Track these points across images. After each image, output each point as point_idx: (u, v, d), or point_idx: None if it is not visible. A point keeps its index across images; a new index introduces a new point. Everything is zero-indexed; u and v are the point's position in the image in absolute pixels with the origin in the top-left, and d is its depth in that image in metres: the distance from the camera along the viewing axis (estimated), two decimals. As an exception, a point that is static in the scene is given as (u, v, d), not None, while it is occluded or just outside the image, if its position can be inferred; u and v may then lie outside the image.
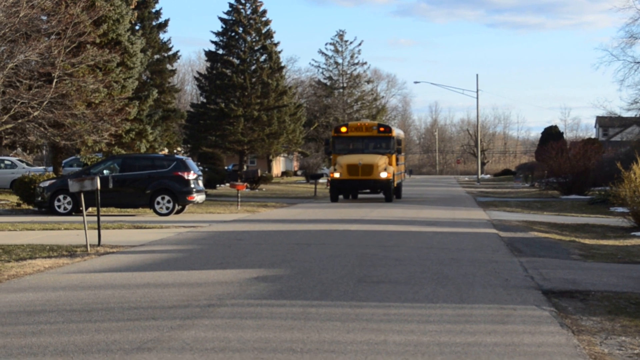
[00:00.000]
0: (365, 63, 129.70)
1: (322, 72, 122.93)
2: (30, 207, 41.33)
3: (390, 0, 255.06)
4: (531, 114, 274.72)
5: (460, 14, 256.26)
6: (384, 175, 51.24)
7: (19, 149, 62.93)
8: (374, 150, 53.91)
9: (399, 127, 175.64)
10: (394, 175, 53.08)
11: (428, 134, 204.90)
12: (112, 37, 53.55)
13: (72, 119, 46.15)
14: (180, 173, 38.57)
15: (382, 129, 55.67)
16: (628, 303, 15.56)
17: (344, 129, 55.78)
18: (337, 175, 52.24)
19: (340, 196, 56.47)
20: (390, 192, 52.75)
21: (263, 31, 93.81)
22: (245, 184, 64.50)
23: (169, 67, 73.89)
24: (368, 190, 56.40)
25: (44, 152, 68.42)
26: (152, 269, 19.71)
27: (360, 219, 36.07)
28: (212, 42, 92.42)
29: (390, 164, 52.93)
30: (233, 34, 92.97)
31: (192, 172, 39.40)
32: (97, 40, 49.83)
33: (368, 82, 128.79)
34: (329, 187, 59.56)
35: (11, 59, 43.56)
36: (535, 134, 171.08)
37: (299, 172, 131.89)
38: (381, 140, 54.86)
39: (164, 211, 38.16)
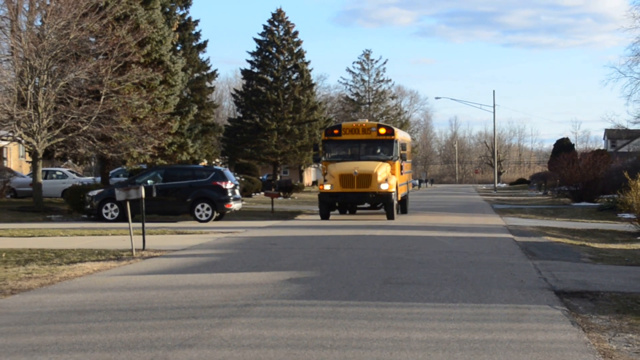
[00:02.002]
0: (390, 80, 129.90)
1: (350, 89, 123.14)
2: (80, 214, 41.44)
3: (412, 22, 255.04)
4: (544, 127, 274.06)
5: (477, 34, 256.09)
6: (384, 187, 39.22)
7: (70, 161, 63.16)
8: (373, 157, 41.67)
9: (421, 139, 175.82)
10: (397, 186, 40.74)
11: (448, 145, 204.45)
12: (155, 57, 53.67)
13: (119, 133, 46.32)
14: (218, 183, 38.69)
15: (382, 130, 42.24)
16: (635, 303, 15.50)
17: (336, 131, 42.77)
18: (327, 187, 39.89)
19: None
20: (392, 207, 39.89)
21: (295, 51, 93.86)
22: (279, 192, 64.53)
23: (207, 84, 73.88)
24: (367, 205, 45.05)
25: (92, 163, 68.58)
26: (193, 272, 19.74)
27: (385, 225, 35.99)
28: (248, 61, 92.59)
29: (392, 173, 40.94)
30: (267, 53, 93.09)
31: (229, 181, 39.51)
32: (142, 60, 49.97)
33: (392, 97, 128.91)
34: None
35: (62, 78, 43.78)
36: (548, 145, 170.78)
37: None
38: (382, 144, 42.12)
39: (204, 218, 38.26)
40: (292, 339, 11.58)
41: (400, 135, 44.92)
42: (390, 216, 39.98)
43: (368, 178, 39.23)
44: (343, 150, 42.55)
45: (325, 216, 40.64)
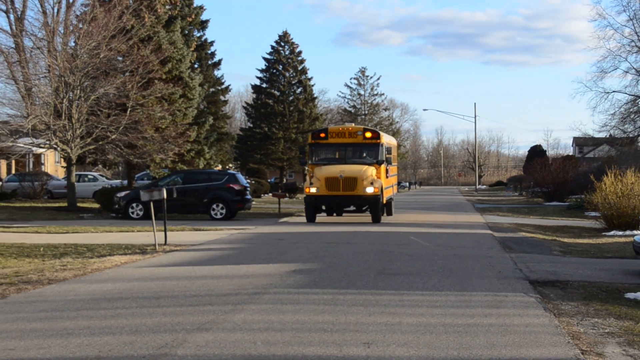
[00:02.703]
0: (383, 94, 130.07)
1: (348, 102, 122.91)
2: (109, 213, 41.44)
3: (402, 42, 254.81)
4: (519, 135, 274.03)
5: (459, 53, 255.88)
6: (370, 190, 35.36)
7: (100, 166, 63.14)
8: (359, 160, 37.79)
9: (410, 146, 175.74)
10: (382, 189, 36.62)
11: (435, 152, 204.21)
12: (176, 74, 53.74)
13: (143, 141, 46.36)
14: (231, 185, 38.71)
15: (368, 134, 38.37)
16: (600, 291, 15.52)
17: (323, 134, 38.55)
18: (313, 190, 35.83)
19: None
20: (377, 210, 36.18)
21: (299, 68, 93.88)
22: (285, 193, 64.45)
23: (222, 98, 73.84)
24: (353, 208, 38.84)
25: (120, 168, 68.50)
26: (209, 264, 19.74)
27: (380, 222, 35.95)
28: (257, 77, 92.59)
29: (378, 176, 36.89)
30: (274, 70, 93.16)
31: (241, 184, 39.54)
32: (163, 77, 50.07)
33: (385, 109, 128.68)
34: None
35: (93, 92, 43.87)
36: (523, 151, 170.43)
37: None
38: (368, 148, 38.19)
39: (218, 216, 38.28)
40: (296, 323, 11.57)
41: (386, 139, 41.04)
42: (375, 219, 36.00)
43: (354, 181, 35.50)
44: (329, 154, 38.53)
45: (311, 219, 36.63)
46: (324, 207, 37.73)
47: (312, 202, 36.35)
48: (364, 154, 38.23)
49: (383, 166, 37.91)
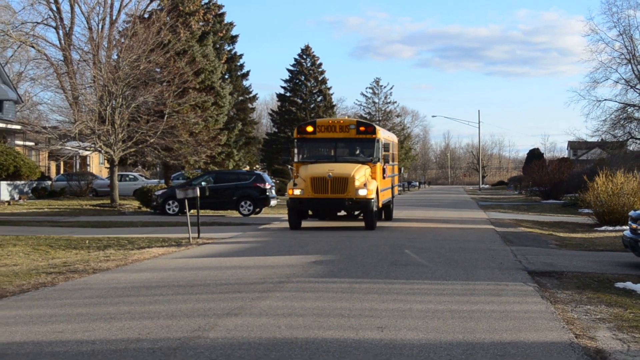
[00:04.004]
0: (395, 102, 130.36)
1: (363, 109, 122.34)
2: (147, 210, 41.54)
3: (413, 55, 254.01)
4: (519, 139, 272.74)
5: (464, 65, 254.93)
6: (362, 192, 27.55)
7: (139, 166, 63.39)
8: (351, 158, 29.83)
9: (420, 149, 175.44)
10: (377, 192, 28.98)
11: (442, 154, 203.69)
12: (208, 84, 53.96)
13: (179, 145, 46.55)
14: (258, 184, 38.67)
15: (362, 128, 30.16)
16: (592, 281, 15.47)
17: (310, 128, 30.26)
18: (297, 192, 27.97)
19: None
20: (371, 216, 28.11)
21: (319, 79, 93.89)
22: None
23: (249, 105, 73.92)
24: (343, 213, 31.91)
25: (157, 168, 68.71)
26: (238, 255, 19.77)
27: (395, 218, 35.78)
28: (282, 87, 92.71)
29: (373, 176, 29.13)
30: (297, 81, 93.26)
31: (267, 183, 39.47)
32: (197, 86, 50.28)
33: (397, 116, 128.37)
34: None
35: (134, 100, 43.97)
36: (522, 154, 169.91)
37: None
38: (362, 144, 30.11)
39: (246, 212, 38.27)
40: (317, 309, 11.57)
41: (383, 134, 32.55)
42: (369, 226, 28.15)
43: (344, 182, 27.50)
44: (318, 151, 30.33)
45: (294, 225, 28.66)
46: (310, 212, 30.09)
47: (295, 206, 28.28)
48: (358, 151, 30.27)
49: (379, 165, 29.88)
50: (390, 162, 34.12)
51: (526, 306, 12.16)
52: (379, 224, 30.84)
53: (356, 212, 29.52)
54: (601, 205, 32.22)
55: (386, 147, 31.19)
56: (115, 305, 12.10)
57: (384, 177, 30.98)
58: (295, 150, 30.29)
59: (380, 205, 30.18)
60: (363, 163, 29.17)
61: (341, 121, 30.64)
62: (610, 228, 30.00)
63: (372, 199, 27.93)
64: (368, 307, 11.75)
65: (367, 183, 27.94)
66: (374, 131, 30.05)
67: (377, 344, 9.24)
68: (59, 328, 10.25)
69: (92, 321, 10.70)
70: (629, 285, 14.68)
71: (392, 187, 35.43)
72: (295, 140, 30.35)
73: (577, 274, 16.45)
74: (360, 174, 28.07)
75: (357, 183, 27.57)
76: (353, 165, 28.60)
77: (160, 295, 13.03)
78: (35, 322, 10.74)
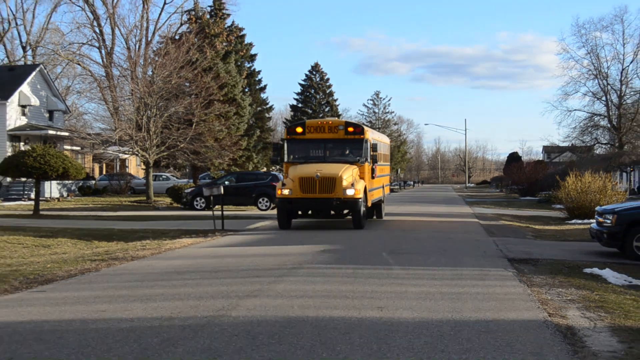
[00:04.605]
0: (393, 112, 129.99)
1: (365, 118, 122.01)
2: (178, 205, 41.61)
3: (408, 71, 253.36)
4: (500, 144, 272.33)
5: (453, 80, 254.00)
6: (350, 192, 24.68)
7: (171, 168, 63.49)
8: (340, 158, 26.74)
9: (414, 153, 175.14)
10: (365, 192, 25.92)
11: (433, 157, 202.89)
12: (230, 96, 54.04)
13: (205, 149, 46.66)
14: (274, 183, 38.53)
15: (351, 129, 26.98)
16: (563, 267, 15.44)
17: (300, 129, 27.18)
18: (285, 192, 24.97)
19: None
20: (359, 215, 25.04)
21: (327, 92, 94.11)
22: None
23: (266, 115, 73.91)
24: (332, 213, 26.93)
25: (187, 169, 68.78)
26: (257, 245, 19.78)
27: (389, 212, 35.78)
28: (295, 98, 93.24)
29: (361, 176, 26.24)
30: (308, 93, 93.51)
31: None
32: (221, 98, 50.40)
33: (395, 124, 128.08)
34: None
35: (166, 111, 44.12)
36: (503, 157, 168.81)
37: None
38: (350, 144, 26.98)
39: (264, 208, 38.27)
40: (325, 292, 11.58)
41: (372, 135, 29.24)
42: (357, 225, 25.10)
43: (332, 182, 24.65)
44: (307, 151, 27.08)
45: (284, 225, 25.43)
46: (300, 212, 26.40)
47: (284, 206, 25.26)
48: (347, 151, 27.08)
49: (367, 165, 26.89)
50: (381, 162, 31.04)
51: (506, 289, 12.15)
52: (377, 218, 30.38)
53: (345, 212, 25.81)
54: (571, 201, 32.20)
55: (375, 147, 27.51)
56: (151, 288, 12.14)
57: (372, 177, 27.88)
58: (285, 151, 27.07)
59: (369, 204, 27.23)
60: (351, 163, 26.18)
61: (330, 122, 27.28)
62: (579, 221, 29.95)
63: (360, 198, 24.86)
64: (369, 290, 11.76)
65: (354, 183, 24.92)
66: (362, 132, 26.90)
67: (377, 322, 9.26)
68: (102, 308, 10.29)
69: (130, 302, 10.74)
70: (595, 270, 14.68)
71: (383, 187, 32.04)
72: (285, 141, 27.23)
73: (550, 261, 16.43)
74: (348, 174, 25.12)
75: (344, 183, 24.66)
76: (341, 166, 25.61)
77: (189, 280, 13.06)
78: (81, 302, 10.78)
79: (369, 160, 26.85)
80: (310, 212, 26.09)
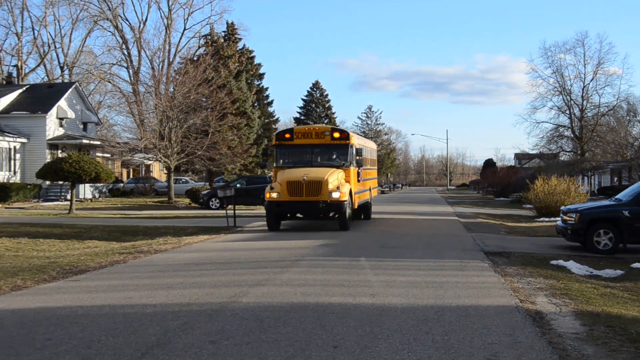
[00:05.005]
0: (384, 123, 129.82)
1: (359, 129, 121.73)
2: (196, 205, 41.59)
3: (396, 88, 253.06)
4: (477, 151, 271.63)
5: (435, 96, 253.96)
6: (335, 195, 22.70)
7: (190, 172, 63.48)
8: (327, 163, 24.68)
9: (402, 159, 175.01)
10: (351, 195, 24.01)
11: (419, 163, 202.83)
12: (242, 110, 53.99)
13: (219, 156, 46.61)
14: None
15: (337, 134, 25.25)
16: (533, 259, 15.45)
17: (288, 135, 25.36)
18: (274, 195, 22.92)
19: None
20: (344, 217, 22.97)
21: (326, 106, 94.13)
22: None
23: (273, 126, 73.80)
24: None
25: (203, 174, 68.74)
26: (264, 240, 19.75)
27: (380, 211, 35.72)
28: (297, 112, 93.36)
29: (347, 180, 24.21)
30: (309, 107, 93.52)
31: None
32: (233, 112, 50.34)
33: (385, 134, 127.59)
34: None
35: (185, 123, 44.10)
36: (480, 163, 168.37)
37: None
38: (336, 149, 24.99)
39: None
40: (324, 281, 11.56)
41: (358, 140, 27.34)
42: (343, 226, 23.02)
43: (318, 185, 22.63)
44: (295, 156, 25.18)
45: (273, 227, 23.22)
46: (289, 215, 23.97)
47: (273, 209, 23.05)
48: (333, 156, 25.02)
49: (352, 169, 24.82)
50: (368, 167, 29.32)
51: (483, 278, 12.14)
52: (365, 219, 28.66)
53: (331, 214, 23.19)
54: (539, 202, 32.27)
55: (360, 152, 25.74)
56: (172, 277, 12.12)
57: (358, 181, 25.77)
58: (274, 156, 25.41)
59: (355, 206, 25.22)
60: (337, 167, 24.11)
61: (317, 128, 25.44)
62: (547, 219, 29.98)
63: (345, 201, 22.82)
64: (363, 279, 11.74)
65: (340, 186, 22.93)
66: (347, 137, 25.00)
67: (370, 307, 9.24)
68: (129, 295, 10.27)
69: (154, 289, 10.73)
70: (560, 262, 14.69)
71: (370, 190, 30.12)
72: (274, 147, 25.32)
73: (521, 254, 16.42)
74: (333, 177, 23.07)
75: (330, 186, 22.65)
76: (327, 170, 23.48)
77: (205, 270, 13.04)
78: (111, 290, 10.77)
79: (354, 164, 24.98)
80: (298, 214, 23.84)
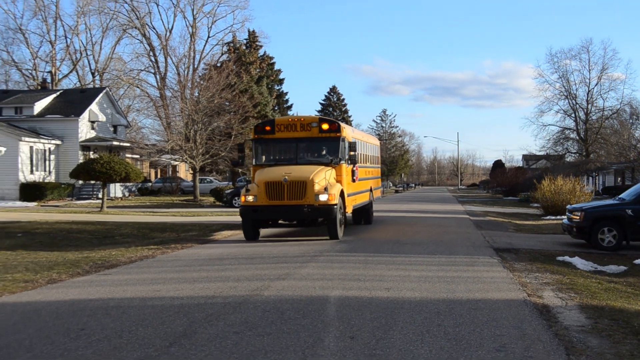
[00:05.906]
0: (397, 126, 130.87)
1: (374, 131, 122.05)
2: (219, 203, 41.69)
3: (409, 93, 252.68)
4: (487, 153, 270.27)
5: (446, 100, 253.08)
6: (323, 197, 17.48)
7: (214, 172, 63.67)
8: (314, 159, 19.37)
9: (415, 160, 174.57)
10: (342, 197, 18.77)
11: (431, 164, 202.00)
12: (263, 113, 54.08)
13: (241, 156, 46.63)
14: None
15: (325, 126, 19.47)
16: (540, 255, 15.36)
17: (269, 127, 19.69)
18: (250, 199, 17.75)
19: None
20: (334, 224, 17.92)
21: (343, 109, 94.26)
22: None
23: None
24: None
25: (227, 174, 68.95)
26: (284, 236, 19.73)
27: (395, 210, 35.67)
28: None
29: (338, 179, 18.96)
30: (327, 111, 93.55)
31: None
32: (255, 115, 50.47)
33: (399, 136, 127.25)
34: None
35: (210, 125, 44.22)
36: (489, 164, 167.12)
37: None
38: (325, 143, 19.55)
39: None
40: (341, 275, 11.56)
41: (352, 133, 21.76)
42: (332, 235, 18.18)
43: (302, 187, 17.59)
44: (276, 152, 20.01)
45: (250, 236, 18.44)
46: (270, 222, 18.92)
47: (249, 215, 18.07)
48: (322, 152, 19.76)
49: (345, 166, 19.57)
50: (368, 164, 24.84)
51: (492, 273, 12.10)
52: (377, 215, 26.29)
53: (319, 220, 18.41)
54: (546, 200, 32.09)
55: (354, 146, 20.10)
56: (197, 271, 12.18)
57: (353, 180, 20.79)
58: (253, 152, 20.13)
59: (350, 210, 20.41)
60: (326, 165, 19.10)
61: (302, 119, 19.92)
62: (553, 217, 29.81)
63: (335, 204, 17.87)
64: (378, 274, 11.74)
65: (328, 187, 17.99)
66: (338, 129, 19.61)
67: (385, 300, 9.24)
68: (157, 288, 10.34)
69: (180, 283, 10.78)
70: (566, 258, 14.61)
71: (371, 190, 25.07)
72: (253, 141, 20.02)
73: (529, 250, 16.35)
74: (320, 177, 18.08)
75: (316, 187, 17.73)
76: (313, 168, 18.52)
77: (229, 265, 13.09)
78: (140, 283, 10.84)
79: (345, 160, 19.75)
80: (280, 221, 19.12)
